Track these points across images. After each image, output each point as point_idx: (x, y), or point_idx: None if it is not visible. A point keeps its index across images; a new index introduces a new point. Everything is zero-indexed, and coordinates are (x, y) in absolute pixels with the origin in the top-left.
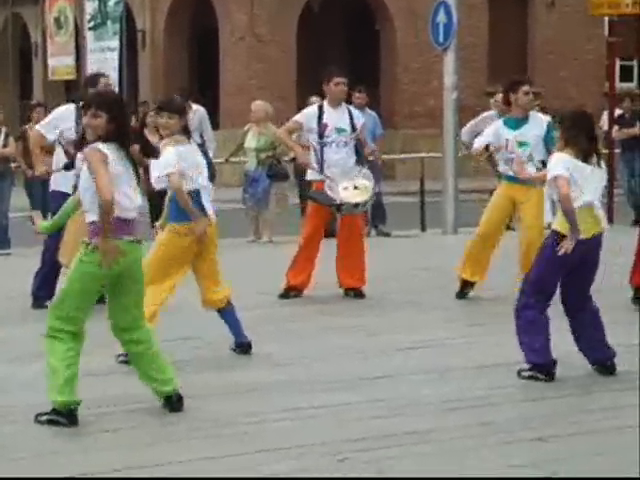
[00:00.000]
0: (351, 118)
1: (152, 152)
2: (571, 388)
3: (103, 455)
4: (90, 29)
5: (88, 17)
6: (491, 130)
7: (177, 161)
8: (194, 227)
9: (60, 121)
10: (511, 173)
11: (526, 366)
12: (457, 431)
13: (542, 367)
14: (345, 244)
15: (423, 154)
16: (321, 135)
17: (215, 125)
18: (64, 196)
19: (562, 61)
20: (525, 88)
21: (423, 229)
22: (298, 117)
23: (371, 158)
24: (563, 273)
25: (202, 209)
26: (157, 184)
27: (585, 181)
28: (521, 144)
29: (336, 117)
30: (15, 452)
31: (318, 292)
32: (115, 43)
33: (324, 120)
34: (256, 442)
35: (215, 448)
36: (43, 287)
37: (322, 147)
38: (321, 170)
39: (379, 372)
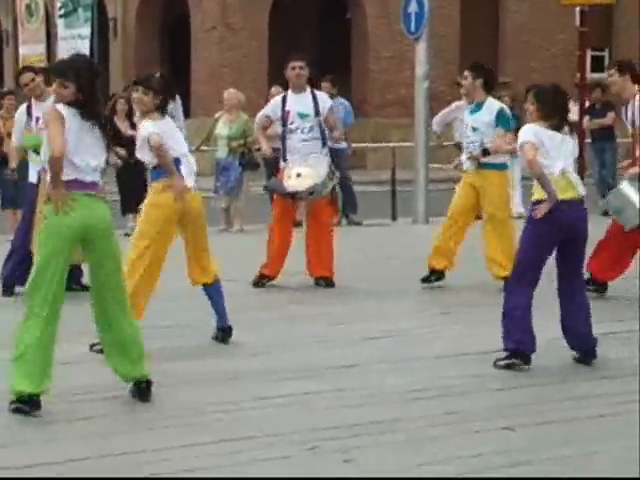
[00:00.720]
0: (315, 102)
1: (122, 140)
2: (544, 377)
3: (74, 443)
4: (61, 17)
5: (59, 4)
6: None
7: (156, 127)
8: (172, 182)
9: (19, 123)
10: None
11: (503, 355)
12: (425, 420)
13: (519, 354)
14: (313, 232)
15: (394, 143)
16: (285, 122)
17: (186, 114)
18: (32, 187)
19: (533, 51)
20: (464, 74)
21: (394, 218)
22: (265, 111)
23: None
24: (548, 244)
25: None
26: (140, 152)
27: (556, 149)
28: (474, 129)
29: (299, 103)
30: None
31: (287, 280)
32: (86, 31)
33: (286, 107)
34: (227, 431)
35: (187, 436)
36: (14, 274)
37: (288, 134)
38: (284, 157)
39: (348, 361)
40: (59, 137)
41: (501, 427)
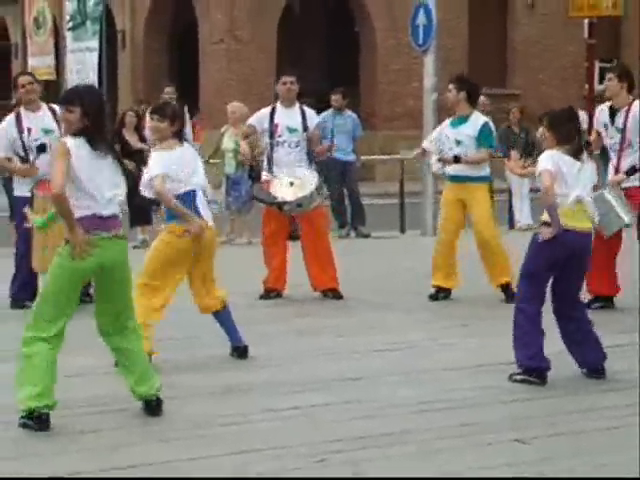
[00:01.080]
0: (304, 118)
1: (130, 152)
2: (554, 389)
3: (84, 455)
4: (69, 30)
5: (67, 17)
6: (438, 128)
7: (162, 166)
8: (190, 228)
9: (4, 139)
10: (450, 171)
11: (518, 370)
12: (435, 432)
13: (535, 371)
14: (309, 244)
15: (403, 155)
16: (272, 135)
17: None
18: (25, 201)
19: (542, 63)
20: (449, 86)
21: (402, 231)
22: (251, 119)
23: (327, 154)
24: (550, 267)
25: (197, 212)
26: (145, 192)
27: (574, 177)
28: (458, 142)
29: (287, 117)
30: None
31: (293, 293)
32: (94, 43)
33: (275, 120)
34: (236, 443)
35: (196, 449)
36: (22, 290)
37: (274, 147)
38: (270, 170)
39: (356, 373)
40: (58, 174)
41: (512, 439)
